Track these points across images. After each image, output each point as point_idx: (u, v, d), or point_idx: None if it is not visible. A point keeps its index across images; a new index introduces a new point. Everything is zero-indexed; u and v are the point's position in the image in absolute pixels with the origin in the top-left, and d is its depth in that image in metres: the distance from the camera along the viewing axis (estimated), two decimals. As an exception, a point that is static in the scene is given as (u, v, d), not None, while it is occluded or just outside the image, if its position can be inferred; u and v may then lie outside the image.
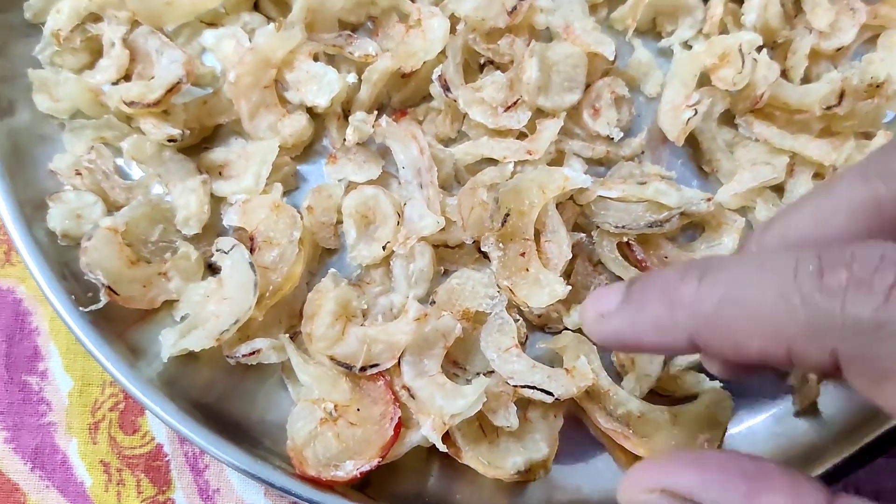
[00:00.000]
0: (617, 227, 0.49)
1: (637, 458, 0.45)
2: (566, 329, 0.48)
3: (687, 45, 0.55)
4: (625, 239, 0.49)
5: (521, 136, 0.51)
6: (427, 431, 0.43)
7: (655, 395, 0.47)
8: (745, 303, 0.29)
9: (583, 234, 0.50)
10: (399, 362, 0.45)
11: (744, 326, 0.29)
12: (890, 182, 0.31)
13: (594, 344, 0.43)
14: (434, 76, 0.51)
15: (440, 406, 0.43)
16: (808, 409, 0.47)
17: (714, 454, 0.34)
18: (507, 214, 0.47)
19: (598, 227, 0.50)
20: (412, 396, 0.44)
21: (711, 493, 0.30)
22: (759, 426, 0.48)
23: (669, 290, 0.32)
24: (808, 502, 0.28)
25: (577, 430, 0.47)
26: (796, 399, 0.48)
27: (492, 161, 0.50)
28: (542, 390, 0.43)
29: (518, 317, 0.48)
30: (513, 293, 0.46)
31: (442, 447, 0.43)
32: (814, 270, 0.27)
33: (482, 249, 0.47)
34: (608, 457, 0.47)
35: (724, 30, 0.55)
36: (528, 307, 0.47)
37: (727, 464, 0.31)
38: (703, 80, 0.52)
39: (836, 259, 0.27)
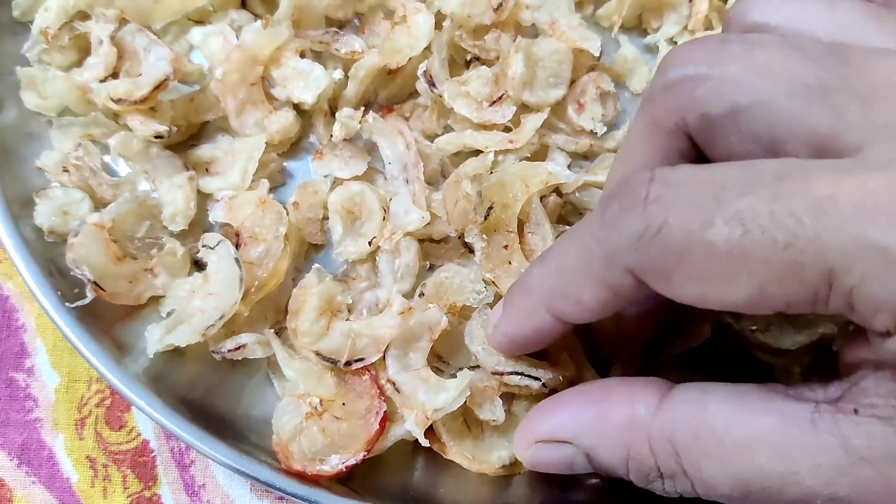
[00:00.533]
0: None
1: None
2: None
3: (672, 42, 0.56)
4: None
5: (506, 130, 0.51)
6: (410, 426, 0.43)
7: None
8: (567, 265, 0.34)
9: (567, 227, 0.50)
10: (384, 356, 0.45)
11: (573, 283, 0.34)
12: (658, 101, 0.34)
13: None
14: (419, 72, 0.51)
15: (422, 401, 0.43)
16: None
17: (568, 393, 0.38)
18: (491, 207, 0.47)
19: (581, 215, 0.50)
20: (397, 390, 0.44)
21: (570, 429, 0.35)
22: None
23: (524, 282, 0.38)
24: (642, 402, 0.33)
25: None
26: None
27: (476, 154, 0.50)
28: (530, 376, 0.43)
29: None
30: (496, 286, 0.46)
31: (425, 442, 0.43)
32: (598, 214, 0.32)
33: (466, 240, 0.48)
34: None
35: (709, 26, 0.55)
36: None
37: (575, 398, 0.37)
38: (689, 76, 0.53)
39: (610, 197, 0.32)
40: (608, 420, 0.34)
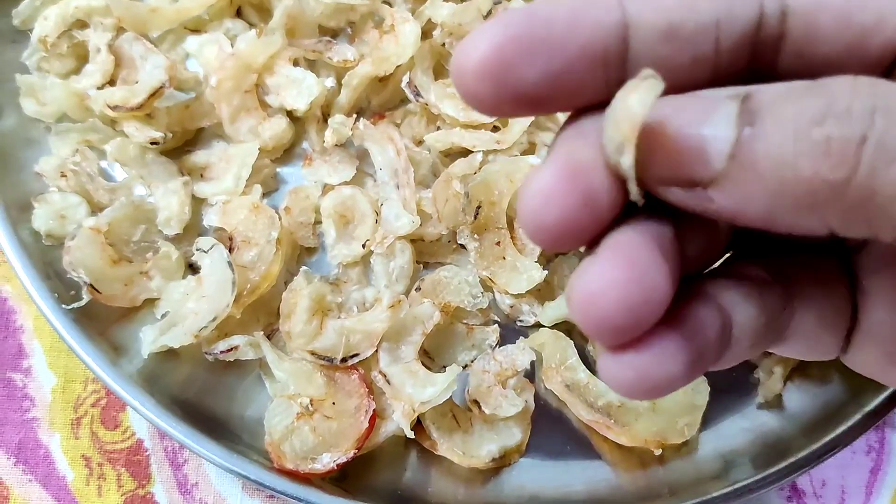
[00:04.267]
0: None
1: (620, 447, 0.46)
2: (542, 326, 0.49)
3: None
4: None
5: (495, 130, 0.52)
6: (398, 417, 0.44)
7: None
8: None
9: None
10: (377, 349, 0.46)
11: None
12: None
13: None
14: (403, 83, 0.52)
15: (409, 394, 0.44)
16: (774, 403, 0.48)
17: None
18: (479, 207, 0.48)
19: None
20: (388, 382, 0.45)
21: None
22: (726, 422, 0.48)
23: None
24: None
25: (552, 422, 0.48)
26: (760, 392, 0.48)
27: (466, 154, 0.51)
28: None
29: (495, 319, 0.49)
30: (493, 282, 0.47)
31: (410, 434, 0.44)
32: None
33: (459, 242, 0.49)
34: (581, 448, 0.48)
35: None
36: (509, 293, 0.48)
37: None
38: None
39: None
40: None
